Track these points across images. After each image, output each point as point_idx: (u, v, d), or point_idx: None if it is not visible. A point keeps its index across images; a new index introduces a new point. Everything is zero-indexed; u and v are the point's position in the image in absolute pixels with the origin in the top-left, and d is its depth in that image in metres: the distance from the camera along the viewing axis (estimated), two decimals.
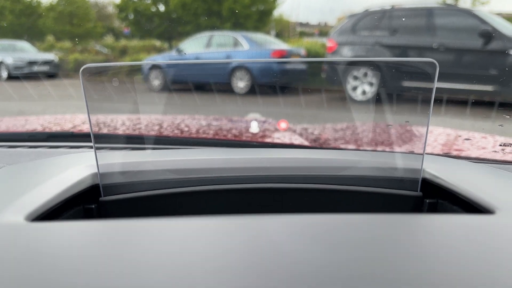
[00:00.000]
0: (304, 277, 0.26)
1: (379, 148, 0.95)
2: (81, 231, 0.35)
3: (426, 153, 0.50)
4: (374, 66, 4.60)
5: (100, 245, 0.32)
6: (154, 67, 5.61)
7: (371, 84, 4.74)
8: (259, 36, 6.13)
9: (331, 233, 0.33)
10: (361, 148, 1.02)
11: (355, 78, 4.55)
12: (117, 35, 7.52)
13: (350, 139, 1.14)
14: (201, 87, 4.89)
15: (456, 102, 4.06)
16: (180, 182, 0.54)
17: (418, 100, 0.53)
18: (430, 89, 0.44)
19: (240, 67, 5.38)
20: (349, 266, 0.28)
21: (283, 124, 1.38)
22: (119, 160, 0.56)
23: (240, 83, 5.40)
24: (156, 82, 5.54)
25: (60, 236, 0.34)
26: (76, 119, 1.45)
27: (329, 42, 5.14)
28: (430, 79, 0.43)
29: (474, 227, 0.33)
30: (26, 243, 0.32)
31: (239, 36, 5.74)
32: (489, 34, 4.25)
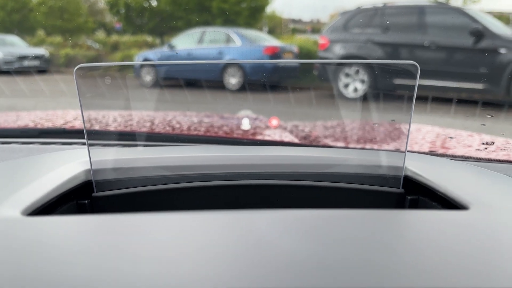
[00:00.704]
0: (291, 270, 0.28)
1: (365, 146, 0.97)
2: (76, 225, 0.36)
3: (409, 151, 0.52)
4: (363, 65, 4.63)
5: (95, 239, 0.34)
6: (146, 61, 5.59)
7: (362, 81, 4.76)
8: (251, 33, 6.13)
9: (318, 228, 0.34)
10: (347, 146, 1.04)
11: (347, 75, 4.57)
12: (109, 30, 7.47)
13: (339, 137, 1.16)
14: (193, 84, 4.88)
15: (446, 100, 4.10)
16: (172, 179, 0.55)
17: (404, 100, 0.55)
18: (412, 89, 0.45)
19: (232, 64, 5.38)
20: (334, 258, 0.29)
21: (274, 122, 1.40)
22: (111, 157, 0.57)
23: (232, 80, 5.40)
24: (148, 78, 5.52)
25: (56, 230, 0.35)
26: (68, 115, 1.45)
27: (321, 39, 5.16)
28: (413, 80, 0.45)
29: (449, 222, 0.35)
30: (23, 237, 0.33)
31: (231, 32, 5.73)
32: (479, 33, 4.29)
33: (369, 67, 4.68)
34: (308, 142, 1.15)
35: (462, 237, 0.32)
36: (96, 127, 1.19)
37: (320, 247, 0.31)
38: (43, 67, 5.29)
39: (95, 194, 0.53)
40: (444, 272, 0.27)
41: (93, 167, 0.53)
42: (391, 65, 0.47)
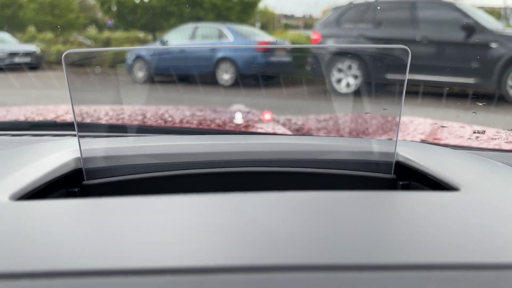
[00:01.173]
0: (280, 247, 0.28)
1: (357, 135, 0.98)
2: (65, 208, 0.36)
3: (401, 140, 0.53)
4: (352, 55, 4.64)
5: (85, 222, 0.34)
6: (138, 58, 5.56)
7: (355, 76, 4.77)
8: (244, 28, 6.12)
9: (307, 208, 0.35)
10: (340, 135, 1.04)
11: (340, 70, 4.58)
12: (100, 26, 7.41)
13: (332, 129, 1.16)
14: (186, 79, 4.87)
15: (438, 94, 4.12)
16: (163, 166, 0.55)
17: (396, 88, 0.55)
18: (404, 77, 0.46)
19: (225, 58, 5.36)
20: (324, 235, 0.29)
21: (267, 115, 1.40)
22: (102, 146, 0.57)
23: (225, 75, 5.38)
24: (140, 74, 5.49)
25: (45, 214, 0.35)
26: (59, 110, 1.44)
27: (313, 35, 5.16)
28: (404, 65, 0.45)
29: (439, 203, 0.35)
30: (12, 221, 0.33)
31: (224, 28, 5.72)
32: (471, 28, 4.31)
33: (361, 61, 4.70)
34: (300, 133, 1.15)
35: (452, 216, 0.32)
36: (87, 120, 1.18)
37: (309, 225, 0.31)
38: (34, 64, 5.25)
39: (85, 182, 0.53)
40: (433, 248, 0.27)
41: (83, 155, 0.53)
42: (382, 51, 0.47)
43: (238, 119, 1.35)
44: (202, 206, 0.36)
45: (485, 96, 4.19)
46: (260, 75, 5.08)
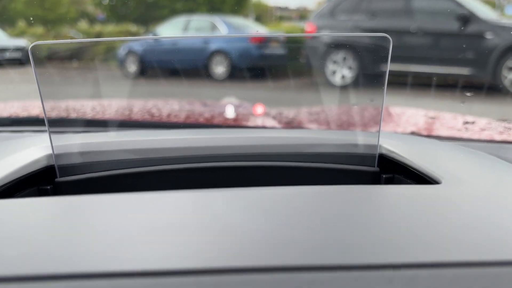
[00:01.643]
0: (249, 247, 0.27)
1: (340, 128, 0.96)
2: (35, 207, 0.35)
3: (386, 131, 0.52)
4: (346, 46, 4.62)
5: (56, 221, 0.33)
6: (131, 52, 5.51)
7: (350, 68, 4.76)
8: (237, 20, 6.06)
9: (290, 205, 0.34)
10: (322, 127, 1.02)
11: (334, 62, 4.56)
12: (92, 20, 7.33)
13: (323, 121, 1.14)
14: (178, 73, 4.81)
15: (433, 85, 4.11)
16: (142, 162, 0.53)
17: (381, 78, 0.53)
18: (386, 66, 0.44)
19: (218, 52, 5.32)
20: (300, 234, 0.28)
21: (259, 109, 1.37)
22: (75, 141, 0.54)
23: (219, 69, 5.34)
24: (132, 68, 5.44)
25: (13, 213, 0.34)
26: (46, 106, 1.40)
27: (308, 26, 5.13)
28: (386, 53, 0.43)
29: (420, 196, 0.35)
30: None
31: (217, 20, 5.67)
32: (466, 18, 4.29)
33: (355, 52, 4.67)
34: (290, 126, 1.12)
35: (432, 210, 0.32)
36: (63, 115, 1.15)
37: (290, 224, 0.30)
38: (25, 59, 5.19)
39: (58, 179, 0.50)
40: (413, 246, 0.27)
41: (55, 152, 0.50)
42: (363, 39, 0.45)
43: (229, 112, 1.32)
44: (180, 204, 0.35)
45: (480, 87, 4.19)
46: (254, 68, 5.06)
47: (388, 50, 0.43)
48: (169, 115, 1.26)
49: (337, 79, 4.57)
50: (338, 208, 0.33)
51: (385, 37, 0.42)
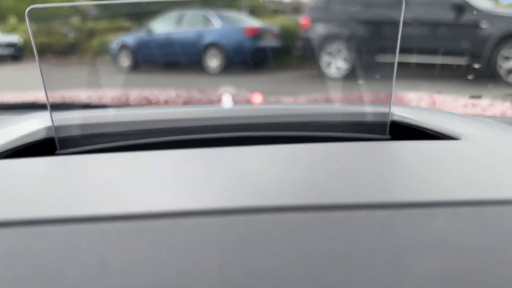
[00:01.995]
0: (268, 192, 0.27)
1: (350, 101, 0.95)
2: (41, 165, 0.35)
3: (395, 104, 0.52)
4: (342, 37, 4.60)
5: (63, 175, 0.33)
6: (124, 47, 5.46)
7: (345, 59, 4.74)
8: (231, 14, 6.02)
9: (299, 158, 0.34)
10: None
11: (329, 54, 4.54)
12: (85, 15, 7.24)
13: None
14: (173, 67, 4.78)
15: (429, 75, 4.12)
16: (142, 134, 0.52)
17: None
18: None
19: (213, 45, 5.28)
20: (318, 180, 0.28)
21: (257, 97, 1.35)
22: (76, 115, 0.54)
23: (213, 62, 5.31)
24: (126, 63, 5.39)
25: (19, 170, 0.34)
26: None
27: (303, 19, 5.10)
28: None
29: (441, 150, 0.35)
30: None
31: (211, 14, 5.63)
32: (461, 7, 4.29)
33: (351, 43, 4.66)
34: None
35: (455, 159, 0.32)
36: (61, 95, 1.14)
37: (309, 177, 0.30)
38: (17, 55, 5.14)
39: (59, 151, 0.49)
40: (438, 186, 0.27)
41: (55, 124, 0.49)
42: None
43: (226, 101, 1.30)
44: (188, 158, 0.36)
45: (476, 77, 4.20)
46: (249, 60, 5.03)
47: (400, 11, 0.42)
48: (166, 102, 1.25)
49: (332, 71, 4.56)
50: (358, 159, 0.33)
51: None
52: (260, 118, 0.52)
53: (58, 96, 1.20)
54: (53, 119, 0.49)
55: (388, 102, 0.48)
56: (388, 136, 0.49)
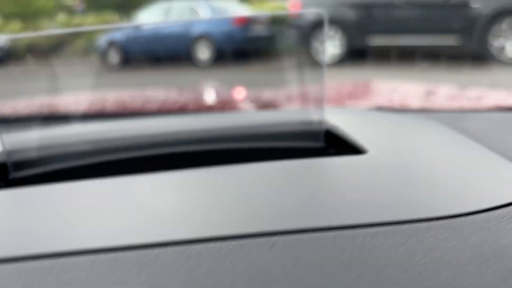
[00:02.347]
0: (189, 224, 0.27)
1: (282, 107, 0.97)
2: None
3: (329, 107, 0.54)
4: (332, 23, 4.57)
5: (10, 212, 0.32)
6: (112, 43, 5.40)
7: (335, 45, 4.71)
8: (220, 3, 5.95)
9: (226, 184, 0.35)
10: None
11: (319, 41, 4.51)
12: (71, 11, 7.16)
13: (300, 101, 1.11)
14: (162, 61, 4.75)
15: (419, 56, 4.10)
16: (104, 151, 0.50)
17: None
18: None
19: (203, 37, 5.23)
20: (241, 208, 0.29)
21: (239, 93, 1.33)
22: (31, 135, 0.52)
23: (204, 54, 5.27)
24: (115, 60, 5.35)
25: None
26: (19, 105, 1.35)
27: (292, 5, 5.04)
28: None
29: (347, 166, 0.37)
30: None
31: (200, 3, 5.56)
32: None
33: (343, 29, 4.63)
34: (220, 106, 1.11)
35: (358, 177, 0.35)
36: (14, 111, 1.11)
37: (230, 197, 0.31)
38: (3, 57, 5.09)
39: (13, 175, 0.46)
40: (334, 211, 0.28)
41: (6, 147, 0.46)
42: (299, 15, 0.43)
43: (208, 98, 1.29)
44: (142, 187, 0.35)
45: (467, 56, 4.18)
46: (240, 51, 5.00)
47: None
48: (142, 105, 1.23)
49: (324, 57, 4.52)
50: (287, 181, 0.35)
51: (320, 13, 0.40)
52: (188, 133, 0.52)
53: (10, 107, 1.19)
54: (4, 141, 0.46)
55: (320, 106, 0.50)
56: (322, 144, 0.50)
